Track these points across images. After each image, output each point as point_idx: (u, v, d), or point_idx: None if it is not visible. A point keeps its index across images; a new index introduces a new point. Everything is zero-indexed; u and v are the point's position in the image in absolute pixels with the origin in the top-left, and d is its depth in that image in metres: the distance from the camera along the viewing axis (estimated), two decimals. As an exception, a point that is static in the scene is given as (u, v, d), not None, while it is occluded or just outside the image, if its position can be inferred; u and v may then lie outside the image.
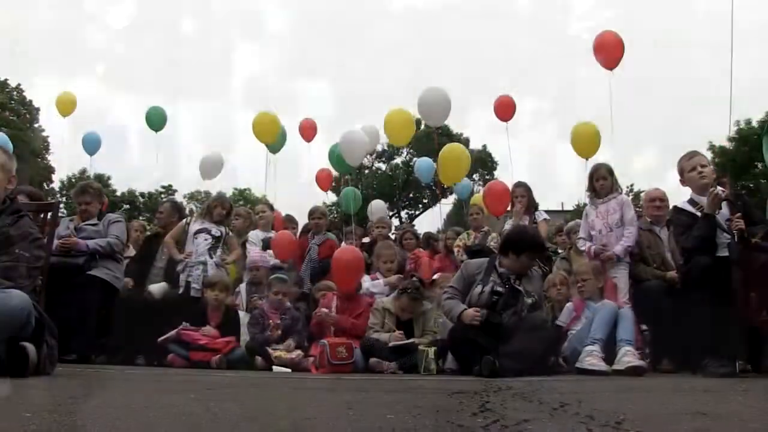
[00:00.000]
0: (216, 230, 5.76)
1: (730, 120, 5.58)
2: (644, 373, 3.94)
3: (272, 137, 8.46)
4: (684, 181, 4.34)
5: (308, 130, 9.73)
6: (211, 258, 5.59)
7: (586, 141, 7.19)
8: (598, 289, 4.67)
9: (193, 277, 5.49)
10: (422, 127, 32.30)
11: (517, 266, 4.44)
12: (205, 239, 5.67)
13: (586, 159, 7.01)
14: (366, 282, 5.73)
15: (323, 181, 9.90)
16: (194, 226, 5.77)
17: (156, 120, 9.35)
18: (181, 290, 5.48)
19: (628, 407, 1.91)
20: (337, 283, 5.36)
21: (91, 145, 9.89)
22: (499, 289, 4.32)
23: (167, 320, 5.07)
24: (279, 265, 6.25)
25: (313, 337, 5.17)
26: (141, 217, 29.69)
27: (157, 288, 5.55)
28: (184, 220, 6.00)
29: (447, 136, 32.16)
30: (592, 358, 4.05)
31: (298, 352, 4.90)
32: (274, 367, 4.76)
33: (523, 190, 6.33)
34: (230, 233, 5.97)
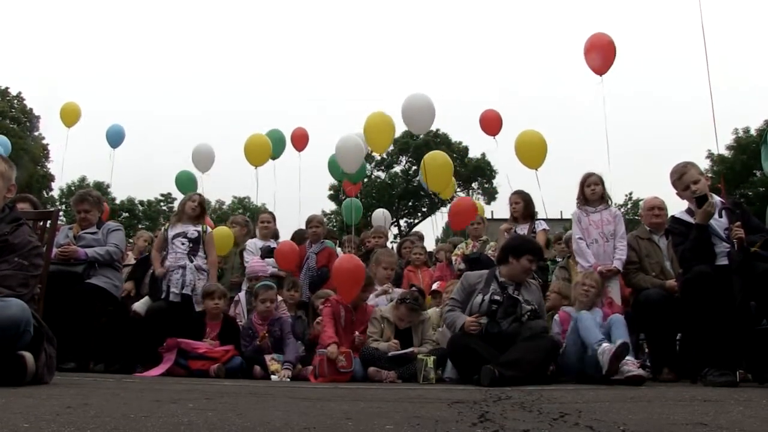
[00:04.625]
0: (192, 231, 5.67)
1: (716, 131, 5.62)
2: (644, 382, 3.92)
3: (263, 160, 8.54)
4: (679, 194, 4.34)
5: (300, 139, 9.71)
6: (191, 262, 5.52)
7: (532, 150, 7.06)
8: (596, 298, 4.67)
9: (172, 282, 5.42)
10: (421, 135, 32.46)
11: (518, 270, 4.46)
12: (182, 243, 5.59)
13: (535, 169, 6.99)
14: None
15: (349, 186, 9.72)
16: (171, 232, 5.69)
17: (186, 183, 9.17)
18: (162, 295, 5.42)
19: (628, 417, 1.90)
20: (339, 293, 5.28)
21: (115, 137, 9.79)
22: (497, 297, 4.34)
23: (163, 330, 5.06)
24: (278, 273, 6.25)
25: (313, 345, 5.15)
26: (140, 225, 29.74)
27: (140, 305, 5.52)
28: (163, 228, 5.92)
29: (446, 144, 32.31)
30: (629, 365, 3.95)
31: (287, 372, 4.82)
32: (272, 376, 4.75)
33: (517, 197, 6.35)
34: (208, 230, 5.86)
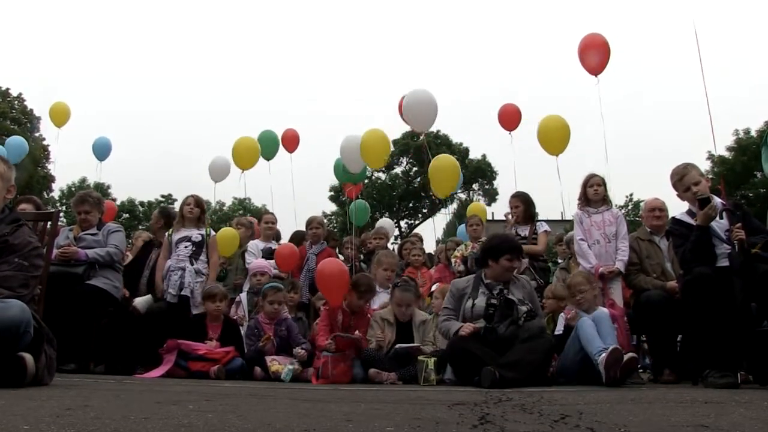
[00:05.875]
0: (197, 235, 5.71)
1: (713, 134, 5.62)
2: (636, 363, 3.90)
3: (251, 163, 8.51)
4: (680, 195, 4.33)
5: (291, 141, 9.71)
6: (192, 265, 5.55)
7: (554, 136, 6.81)
8: (593, 298, 4.65)
9: (170, 283, 5.45)
10: (421, 137, 32.46)
11: (499, 271, 4.48)
12: (186, 246, 5.63)
13: (556, 155, 6.79)
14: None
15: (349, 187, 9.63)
16: (176, 236, 5.73)
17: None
18: (161, 294, 5.47)
19: (629, 419, 1.90)
20: (326, 298, 5.24)
21: (101, 150, 9.80)
22: (494, 301, 4.33)
23: (163, 331, 5.06)
24: (279, 275, 6.25)
25: (314, 347, 5.14)
26: (141, 227, 29.74)
27: (141, 302, 5.52)
28: (167, 234, 5.94)
29: (446, 145, 32.32)
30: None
31: (296, 367, 4.84)
32: (288, 366, 4.75)
33: (517, 200, 6.34)
34: (212, 233, 5.90)
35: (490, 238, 5.03)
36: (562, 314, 4.77)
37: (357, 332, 4.80)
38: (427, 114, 6.93)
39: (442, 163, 7.19)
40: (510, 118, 8.37)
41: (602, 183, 5.42)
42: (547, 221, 6.70)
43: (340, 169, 8.22)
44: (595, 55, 6.64)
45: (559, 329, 4.68)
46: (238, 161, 8.47)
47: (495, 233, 5.74)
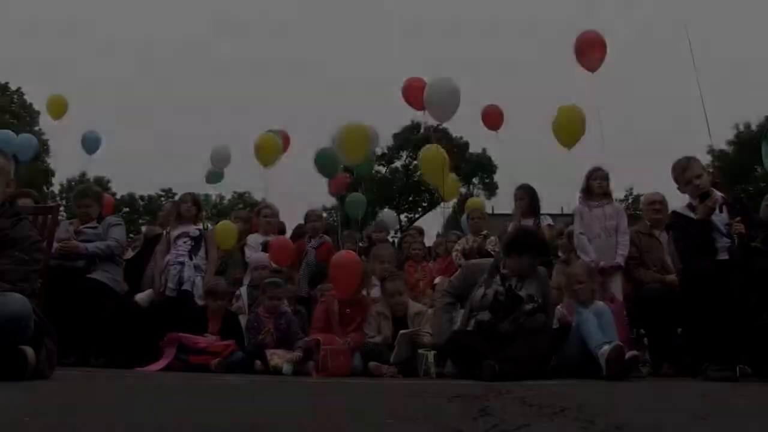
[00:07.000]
0: (194, 230, 5.75)
1: (709, 128, 5.61)
2: (638, 361, 3.92)
3: (274, 159, 8.37)
4: (681, 189, 4.33)
5: (283, 140, 9.64)
6: (191, 260, 5.57)
7: (569, 127, 6.41)
8: (591, 291, 4.65)
9: (169, 277, 5.47)
10: (421, 130, 32.46)
11: (518, 266, 4.43)
12: (184, 242, 5.67)
13: (568, 148, 6.48)
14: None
15: (338, 184, 9.29)
16: (174, 233, 5.76)
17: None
18: (161, 289, 5.48)
19: (627, 411, 1.91)
20: (335, 289, 5.24)
21: (91, 144, 9.78)
22: (502, 298, 4.31)
23: (163, 324, 5.07)
24: (278, 268, 6.24)
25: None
26: (141, 220, 29.78)
27: (143, 296, 5.53)
28: (165, 231, 5.95)
29: (446, 139, 32.26)
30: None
31: (295, 360, 4.85)
32: (285, 365, 4.75)
33: (522, 192, 6.30)
34: (209, 227, 5.94)
35: (518, 231, 4.96)
36: (558, 307, 4.76)
37: (347, 340, 4.84)
38: (449, 103, 6.73)
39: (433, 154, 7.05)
40: (493, 119, 8.37)
41: (606, 177, 5.38)
42: (550, 215, 6.69)
43: (322, 161, 8.00)
44: (591, 53, 6.60)
45: (555, 324, 4.68)
46: (261, 158, 8.33)
47: (525, 226, 5.66)
